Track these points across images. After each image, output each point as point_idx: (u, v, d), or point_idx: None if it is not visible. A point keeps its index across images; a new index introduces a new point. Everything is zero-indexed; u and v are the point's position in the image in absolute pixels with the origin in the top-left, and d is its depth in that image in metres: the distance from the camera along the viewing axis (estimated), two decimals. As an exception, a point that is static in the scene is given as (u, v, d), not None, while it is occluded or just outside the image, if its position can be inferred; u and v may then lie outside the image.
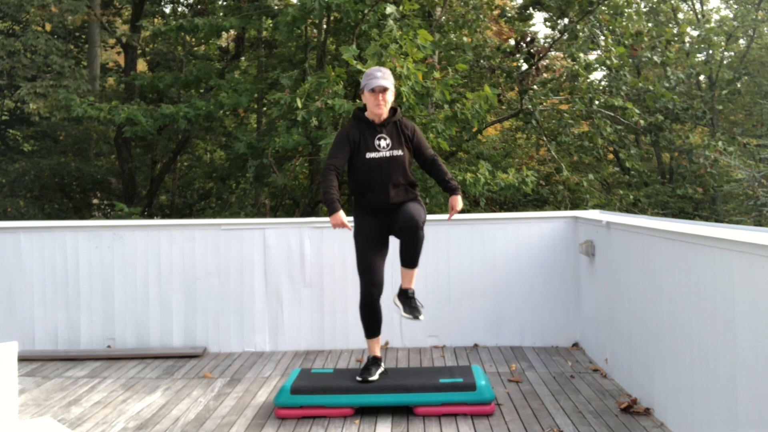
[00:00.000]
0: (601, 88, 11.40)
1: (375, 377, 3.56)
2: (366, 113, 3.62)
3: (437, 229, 4.85)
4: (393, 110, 3.64)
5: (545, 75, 10.97)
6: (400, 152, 3.56)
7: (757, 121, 15.19)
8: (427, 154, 3.71)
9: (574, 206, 9.90)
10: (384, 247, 3.65)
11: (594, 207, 9.14)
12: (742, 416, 2.38)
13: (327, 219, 5.02)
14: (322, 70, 8.32)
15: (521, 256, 4.87)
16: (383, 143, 3.55)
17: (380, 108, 3.52)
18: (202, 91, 11.37)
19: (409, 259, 3.57)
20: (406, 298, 3.65)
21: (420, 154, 3.69)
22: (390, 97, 3.57)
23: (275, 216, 9.66)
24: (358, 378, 3.54)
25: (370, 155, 3.52)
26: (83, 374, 4.37)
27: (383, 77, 3.52)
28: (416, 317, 3.57)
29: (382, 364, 3.70)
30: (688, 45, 11.54)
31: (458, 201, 3.67)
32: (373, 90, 3.51)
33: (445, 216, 4.99)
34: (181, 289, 4.90)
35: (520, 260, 4.87)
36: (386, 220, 3.63)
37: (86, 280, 4.91)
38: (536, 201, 11.40)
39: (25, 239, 4.94)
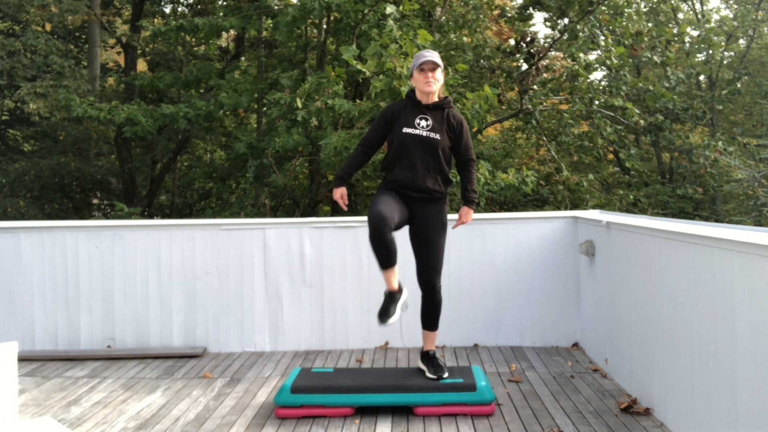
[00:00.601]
0: (601, 88, 11.39)
1: (396, 316, 3.40)
2: (417, 94, 3.54)
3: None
4: (446, 99, 3.56)
5: (545, 75, 10.97)
6: (437, 136, 3.45)
7: (757, 121, 15.19)
8: (465, 153, 3.59)
9: (574, 206, 9.90)
10: (402, 213, 3.46)
11: (594, 207, 9.14)
12: (742, 416, 2.38)
13: (327, 219, 5.04)
14: (322, 70, 8.32)
15: (521, 256, 4.87)
16: (423, 123, 3.47)
17: (430, 85, 3.43)
18: (202, 91, 11.37)
19: (429, 321, 3.63)
20: (429, 359, 3.65)
21: (457, 149, 3.57)
22: (440, 76, 3.48)
23: (275, 216, 9.66)
24: (379, 321, 3.38)
25: (406, 130, 3.44)
26: (83, 374, 4.37)
27: (431, 55, 3.46)
28: (441, 376, 3.53)
29: (401, 296, 3.48)
30: (688, 45, 11.53)
31: (468, 213, 3.62)
32: (422, 69, 3.44)
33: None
34: (181, 289, 4.90)
35: (520, 260, 4.87)
36: (410, 206, 3.51)
37: (86, 280, 4.91)
38: (536, 201, 11.39)
39: (25, 239, 4.94)
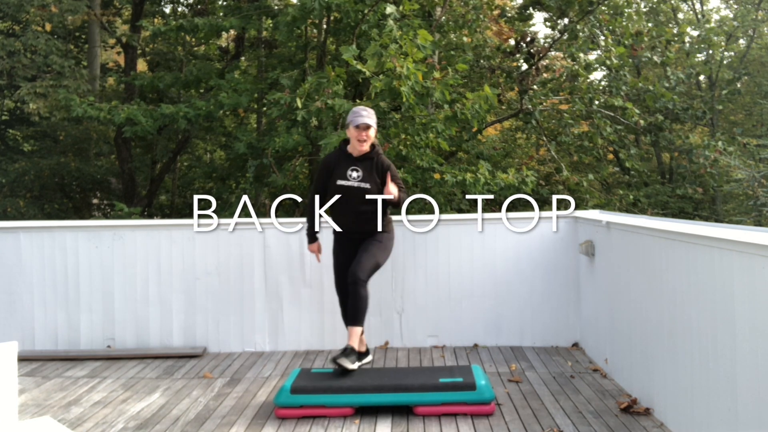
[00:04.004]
0: (601, 88, 11.39)
1: (352, 366, 3.64)
2: (348, 147, 3.85)
3: (437, 229, 4.86)
4: (373, 147, 3.87)
5: (545, 75, 10.97)
6: (368, 185, 3.81)
7: (757, 121, 15.19)
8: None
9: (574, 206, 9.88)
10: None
11: (594, 207, 9.13)
12: (742, 416, 2.38)
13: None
14: (322, 70, 8.32)
15: (521, 256, 4.87)
16: (354, 174, 3.83)
17: (362, 145, 3.81)
18: (202, 91, 11.36)
19: (350, 313, 3.74)
20: (343, 352, 3.65)
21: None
22: (372, 133, 3.83)
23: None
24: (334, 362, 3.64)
25: (340, 182, 3.84)
26: (83, 374, 4.37)
27: (368, 116, 3.77)
28: (340, 364, 3.57)
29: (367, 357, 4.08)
30: (688, 45, 11.52)
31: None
32: (357, 126, 3.76)
33: (447, 216, 5.04)
34: (181, 289, 4.90)
35: (519, 260, 4.87)
36: (355, 247, 3.91)
37: (86, 280, 4.91)
38: (536, 201, 11.37)
39: (25, 239, 4.94)
